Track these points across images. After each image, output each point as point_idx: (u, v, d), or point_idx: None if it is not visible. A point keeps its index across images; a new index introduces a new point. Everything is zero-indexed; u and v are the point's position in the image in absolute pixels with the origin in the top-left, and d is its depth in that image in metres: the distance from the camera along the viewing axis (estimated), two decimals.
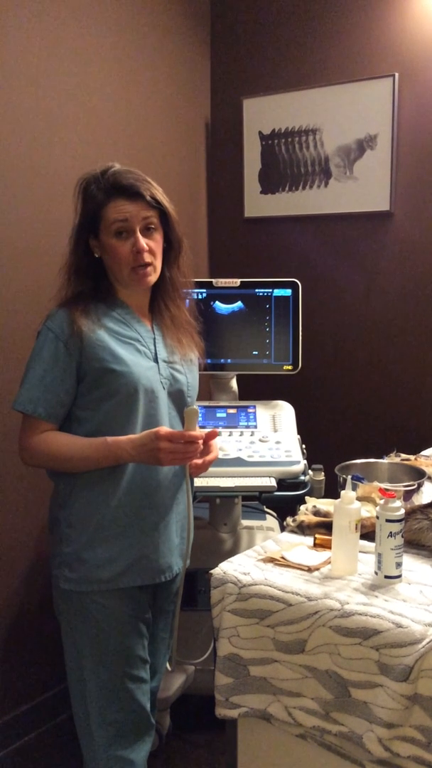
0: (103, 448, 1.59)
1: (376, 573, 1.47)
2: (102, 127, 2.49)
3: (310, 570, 1.53)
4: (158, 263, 1.68)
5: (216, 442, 1.73)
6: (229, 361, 2.40)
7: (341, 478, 1.87)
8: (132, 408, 1.62)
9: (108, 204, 1.61)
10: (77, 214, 1.66)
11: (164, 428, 1.58)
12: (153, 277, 1.67)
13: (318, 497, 1.96)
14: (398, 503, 1.47)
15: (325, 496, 1.98)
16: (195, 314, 1.85)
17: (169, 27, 2.77)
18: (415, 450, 2.16)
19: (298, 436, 2.26)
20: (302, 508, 1.82)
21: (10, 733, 2.32)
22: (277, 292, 2.37)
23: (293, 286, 2.36)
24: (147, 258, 1.63)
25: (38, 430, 1.61)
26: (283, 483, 2.08)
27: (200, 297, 2.38)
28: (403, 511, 1.47)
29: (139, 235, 1.62)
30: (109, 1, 2.47)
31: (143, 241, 1.61)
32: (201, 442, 1.58)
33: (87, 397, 1.63)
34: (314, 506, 1.80)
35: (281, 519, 2.34)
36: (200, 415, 2.25)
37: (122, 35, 2.54)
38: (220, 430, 2.26)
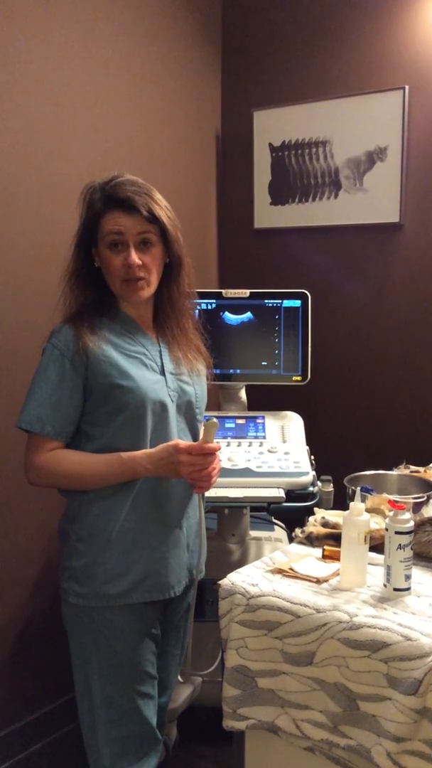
0: (118, 464, 1.58)
1: (385, 585, 1.47)
2: (113, 138, 2.50)
3: (318, 582, 1.53)
4: (153, 279, 1.65)
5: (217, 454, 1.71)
6: (238, 371, 2.40)
7: (350, 490, 1.87)
8: (141, 422, 1.61)
9: (105, 215, 1.60)
10: (79, 222, 1.66)
11: (182, 441, 1.58)
12: (146, 292, 1.65)
13: (327, 508, 1.96)
14: (407, 515, 1.47)
15: (334, 508, 1.98)
16: (201, 328, 1.83)
17: (181, 39, 2.79)
18: (425, 462, 2.15)
19: (307, 447, 2.25)
20: (311, 519, 1.82)
21: (15, 743, 2.32)
22: (287, 302, 2.37)
23: (303, 297, 2.37)
24: (139, 273, 1.61)
25: (46, 449, 1.59)
26: (292, 494, 2.07)
27: (209, 307, 2.38)
28: (412, 523, 1.46)
29: (132, 249, 1.59)
30: (121, 14, 2.50)
31: (135, 256, 1.59)
32: (218, 453, 1.58)
33: (95, 414, 1.62)
34: (323, 517, 1.80)
35: (290, 530, 2.33)
36: None
37: (134, 47, 2.56)
38: (228, 440, 2.26)
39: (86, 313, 1.64)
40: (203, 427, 1.59)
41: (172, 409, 1.67)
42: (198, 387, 1.76)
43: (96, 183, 1.65)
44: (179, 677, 1.92)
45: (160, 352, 1.71)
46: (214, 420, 1.58)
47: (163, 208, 1.63)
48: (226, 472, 2.04)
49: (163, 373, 1.68)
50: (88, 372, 1.59)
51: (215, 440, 1.60)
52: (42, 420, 1.58)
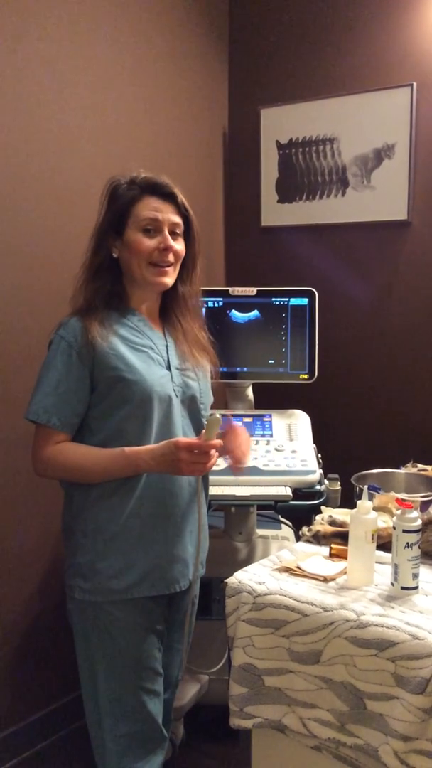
0: (121, 459, 1.58)
1: (392, 584, 1.47)
2: (121, 136, 2.50)
3: (325, 580, 1.52)
4: (176, 270, 1.69)
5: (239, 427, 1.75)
6: (245, 369, 2.40)
7: (358, 488, 1.86)
8: (146, 416, 1.62)
9: (140, 200, 1.63)
10: (102, 214, 1.67)
11: (183, 439, 1.58)
12: (169, 279, 1.67)
13: (334, 507, 1.96)
14: (415, 514, 1.46)
15: (341, 506, 1.97)
16: (206, 326, 1.84)
17: (188, 37, 2.78)
18: None
19: (314, 445, 2.25)
20: (318, 517, 1.82)
21: (22, 741, 2.32)
22: (294, 301, 2.37)
23: (310, 295, 2.36)
24: (171, 258, 1.64)
25: (52, 441, 1.60)
26: (299, 492, 2.07)
27: (217, 305, 2.38)
28: (420, 521, 1.46)
29: (167, 234, 1.63)
30: (128, 13, 2.49)
31: (171, 241, 1.63)
32: (216, 452, 1.58)
33: (100, 406, 1.62)
34: (330, 516, 1.79)
35: (296, 528, 2.33)
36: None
37: (141, 46, 2.56)
38: None
39: (95, 306, 1.65)
40: (206, 423, 1.58)
41: (176, 403, 1.68)
42: (202, 382, 1.76)
43: (122, 176, 1.68)
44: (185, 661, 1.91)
45: (167, 346, 1.71)
46: (217, 416, 1.57)
47: (188, 206, 1.69)
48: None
49: (168, 368, 1.69)
50: (95, 364, 1.59)
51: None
52: (48, 411, 1.59)
